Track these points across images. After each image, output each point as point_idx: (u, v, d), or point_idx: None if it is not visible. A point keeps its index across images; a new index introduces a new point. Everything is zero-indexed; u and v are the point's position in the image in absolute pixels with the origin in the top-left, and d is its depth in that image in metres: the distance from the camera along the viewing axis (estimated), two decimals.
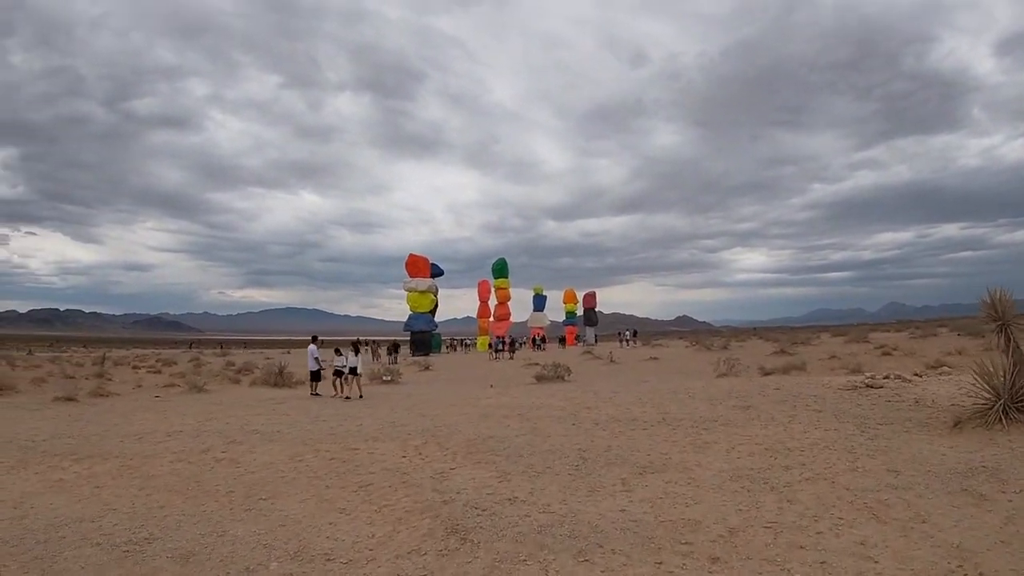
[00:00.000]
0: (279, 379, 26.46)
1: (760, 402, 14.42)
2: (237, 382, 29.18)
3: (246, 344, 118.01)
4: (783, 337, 57.21)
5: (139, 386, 28.71)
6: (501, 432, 12.12)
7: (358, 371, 20.82)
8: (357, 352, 21.24)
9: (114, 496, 9.07)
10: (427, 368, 36.45)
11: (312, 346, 22.05)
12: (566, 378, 24.47)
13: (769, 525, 6.66)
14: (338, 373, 21.17)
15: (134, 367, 43.61)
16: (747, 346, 48.05)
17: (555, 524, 6.95)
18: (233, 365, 40.57)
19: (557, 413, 14.27)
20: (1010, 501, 6.86)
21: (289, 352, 72.44)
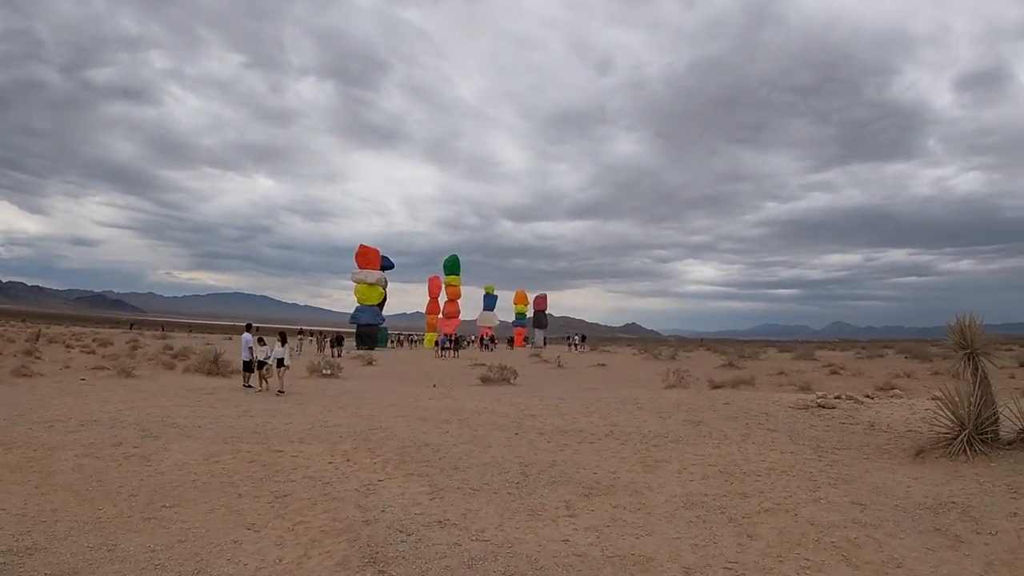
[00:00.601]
0: (213, 367, 25.18)
1: (711, 418, 13.85)
2: (171, 368, 27.70)
3: (190, 328, 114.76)
4: (730, 350, 57.33)
5: (67, 367, 27.11)
6: (439, 439, 11.26)
7: (285, 363, 19.45)
8: (284, 342, 19.94)
9: (6, 493, 7.99)
10: (370, 363, 35.35)
11: (246, 335, 20.87)
12: (512, 381, 23.72)
13: (729, 566, 5.89)
14: (259, 365, 19.79)
15: (67, 346, 41.64)
16: (695, 357, 47.92)
17: (488, 556, 6.07)
18: (171, 349, 38.85)
19: (500, 420, 13.48)
20: (987, 544, 6.24)
21: (231, 339, 70.41)
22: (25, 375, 21.57)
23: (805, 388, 22.64)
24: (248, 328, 21.53)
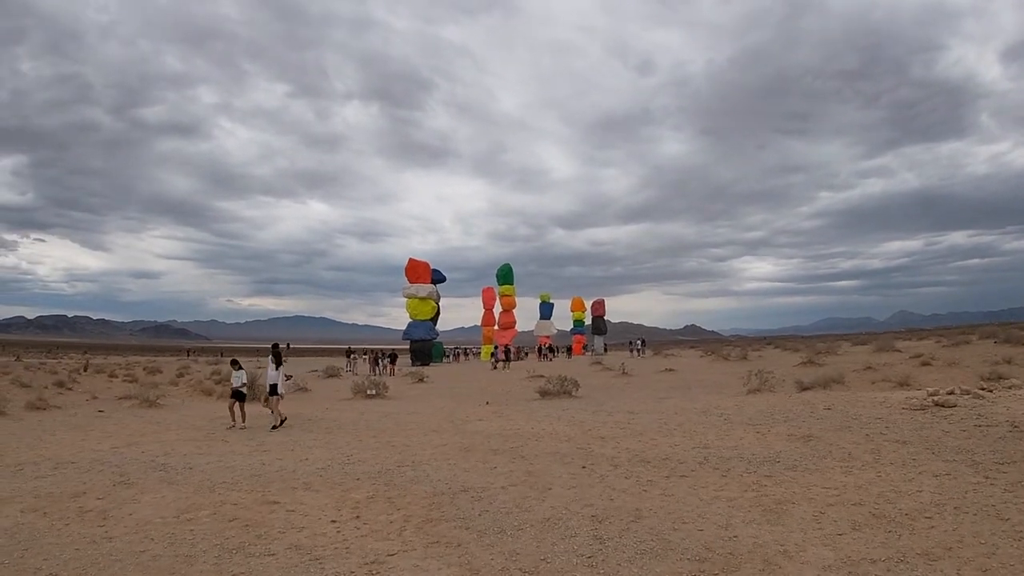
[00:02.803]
0: (247, 394, 23.23)
1: (820, 429, 11.29)
2: (209, 394, 26.06)
3: (257, 352, 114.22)
4: (802, 346, 54.00)
5: (94, 397, 25.74)
6: (483, 479, 8.73)
7: (279, 391, 16.36)
8: (278, 364, 16.62)
9: None
10: (421, 380, 33.06)
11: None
12: (574, 393, 21.24)
13: None
14: (237, 395, 16.34)
15: (111, 375, 40.53)
16: (767, 356, 44.72)
17: None
18: (218, 375, 37.35)
19: (562, 446, 10.96)
20: None
21: (285, 361, 69.25)
22: (39, 408, 20.01)
23: (904, 384, 20.04)
24: (274, 349, 19.29)
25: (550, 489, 8.04)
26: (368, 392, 24.22)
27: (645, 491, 7.80)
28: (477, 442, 11.84)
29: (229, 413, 16.02)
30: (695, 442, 10.79)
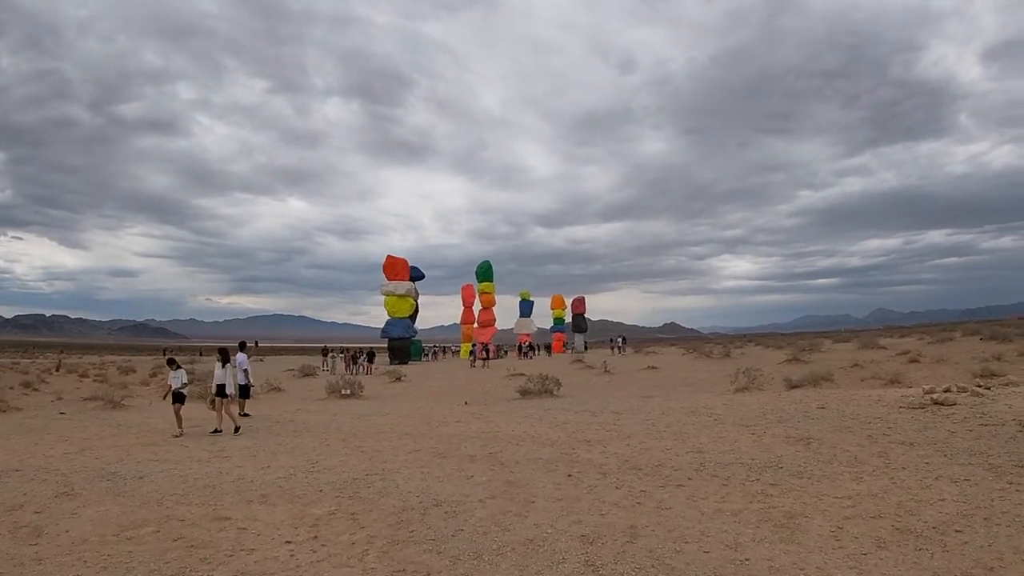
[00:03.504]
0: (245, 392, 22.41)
1: (818, 431, 10.63)
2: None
3: (257, 347, 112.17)
4: (784, 344, 53.69)
5: (59, 398, 24.78)
6: (458, 492, 7.86)
7: (227, 391, 15.10)
8: (224, 363, 15.27)
9: None
10: (399, 379, 32.22)
11: (241, 355, 17.74)
12: (555, 392, 20.49)
13: None
14: (177, 397, 14.65)
15: (81, 375, 39.45)
16: (750, 353, 44.26)
17: None
18: (192, 374, 36.26)
19: (545, 452, 10.14)
20: None
21: (263, 360, 68.25)
22: None
23: (895, 381, 19.59)
24: (243, 347, 18.29)
25: (533, 502, 7.20)
26: (342, 392, 23.37)
27: (639, 503, 6.99)
28: (453, 447, 10.99)
29: (176, 419, 14.43)
30: (688, 446, 10.03)
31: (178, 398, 14.60)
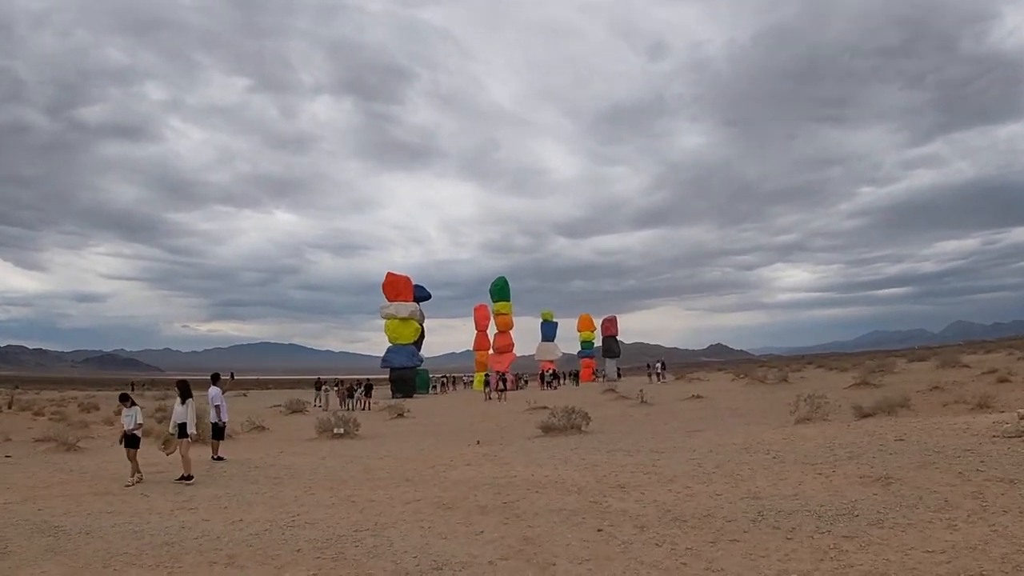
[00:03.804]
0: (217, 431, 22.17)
1: (897, 468, 10.18)
2: (146, 435, 24.80)
3: (232, 379, 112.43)
4: (849, 365, 53.13)
5: (7, 439, 24.71)
6: (463, 552, 7.46)
7: (188, 431, 14.50)
8: (184, 398, 14.78)
9: None
10: (401, 415, 31.98)
11: (214, 389, 17.49)
12: (584, 428, 20.08)
13: None
14: (131, 441, 14.10)
15: (36, 413, 39.57)
16: (810, 377, 43.81)
17: None
18: (163, 411, 36.13)
19: (570, 500, 9.76)
20: None
21: (245, 395, 68.28)
22: None
23: (984, 406, 19.02)
24: (215, 380, 18.03)
25: (554, 564, 6.81)
26: (335, 431, 23.06)
27: (685, 565, 6.57)
28: (461, 496, 10.63)
29: (131, 464, 13.98)
30: (742, 490, 9.60)
31: (132, 442, 14.09)
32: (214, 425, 17.28)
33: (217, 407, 17.13)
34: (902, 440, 12.55)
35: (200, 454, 17.20)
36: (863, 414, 18.14)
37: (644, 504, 9.24)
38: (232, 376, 21.65)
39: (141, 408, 15.01)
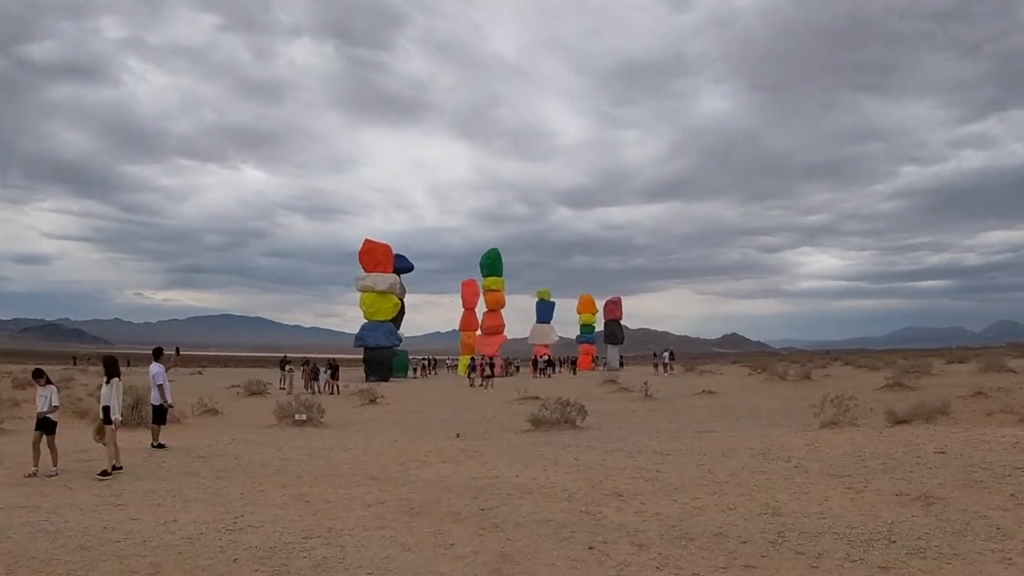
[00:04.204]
0: (130, 417, 21.57)
1: (938, 485, 9.83)
2: (82, 416, 24.42)
3: (177, 352, 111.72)
4: (881, 363, 52.91)
5: None
6: (427, 570, 7.03)
7: (113, 416, 13.83)
8: (111, 377, 14.05)
9: None
10: (373, 401, 31.63)
11: (156, 366, 17.04)
12: (579, 423, 19.80)
13: None
14: (44, 426, 13.32)
15: None
16: (837, 375, 43.55)
17: None
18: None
19: (558, 510, 9.39)
20: None
21: (201, 372, 67.98)
22: None
23: None
24: (158, 356, 17.54)
25: None
26: (296, 417, 22.70)
27: None
28: (432, 499, 10.27)
29: (34, 453, 13.19)
30: (759, 504, 9.23)
31: (44, 426, 13.37)
32: (156, 408, 16.84)
33: (160, 387, 16.70)
34: (943, 453, 12.24)
35: (140, 440, 16.85)
36: (897, 420, 17.83)
37: (644, 517, 8.87)
38: (178, 352, 21.11)
39: (58, 388, 14.16)
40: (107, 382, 13.82)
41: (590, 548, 7.62)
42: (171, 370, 17.90)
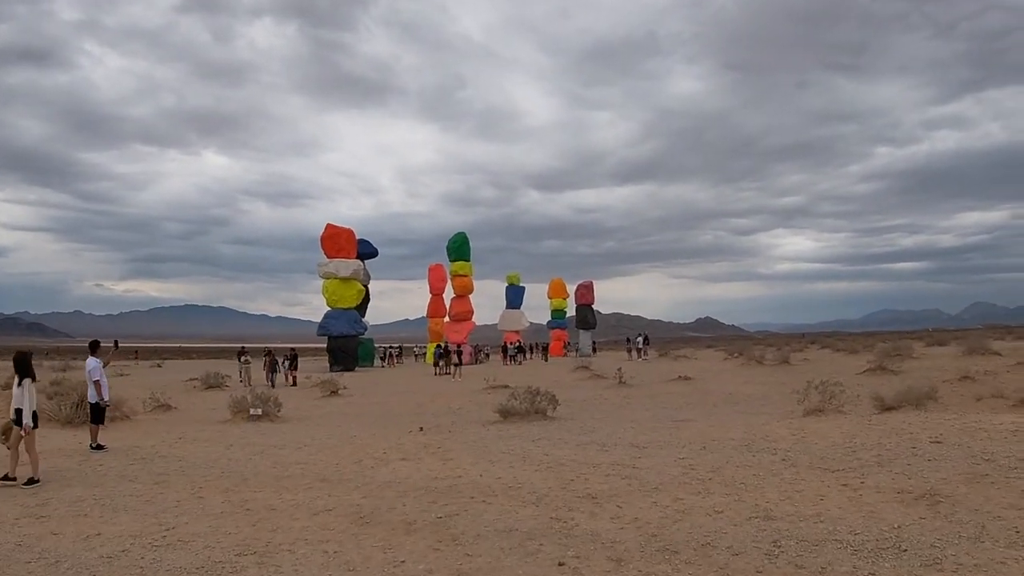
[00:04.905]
0: (75, 415, 20.60)
1: (941, 480, 9.18)
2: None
3: (137, 353, 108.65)
4: (860, 346, 52.82)
5: None
6: None
7: (25, 422, 12.40)
8: (23, 378, 12.72)
9: None
10: (334, 393, 30.75)
11: (92, 361, 16.07)
12: (550, 413, 19.07)
13: None
14: None
15: None
16: (815, 359, 43.37)
17: None
18: (58, 384, 34.51)
19: (525, 517, 8.57)
20: None
21: (160, 365, 66.92)
22: None
23: None
24: (94, 349, 16.60)
25: None
26: (252, 412, 21.79)
27: None
28: (386, 504, 9.42)
29: None
30: (749, 505, 8.47)
31: None
32: (93, 406, 15.84)
33: (96, 383, 15.72)
34: (939, 442, 11.67)
35: (82, 442, 15.91)
36: (885, 407, 17.23)
37: (621, 524, 8.06)
38: (116, 344, 20.07)
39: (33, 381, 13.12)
40: (18, 383, 12.45)
41: (560, 564, 6.80)
42: (108, 365, 16.88)
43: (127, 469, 13.09)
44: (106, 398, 16.09)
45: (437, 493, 10.03)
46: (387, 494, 10.10)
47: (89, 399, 16.03)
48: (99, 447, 15.33)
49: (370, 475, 11.59)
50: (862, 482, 9.33)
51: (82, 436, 16.42)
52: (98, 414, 15.88)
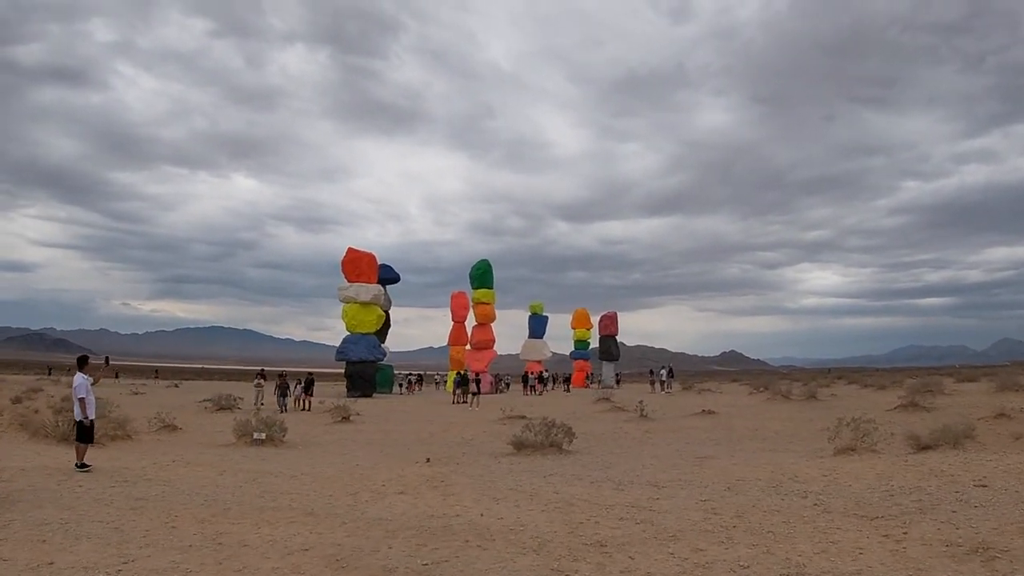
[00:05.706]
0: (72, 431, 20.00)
1: (993, 531, 8.20)
2: (32, 429, 22.82)
3: (157, 373, 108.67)
4: (887, 382, 51.59)
5: None
6: None
7: None
8: None
9: None
10: (346, 418, 29.87)
11: (79, 377, 15.34)
12: (565, 446, 18.19)
13: None
14: None
15: None
16: (843, 395, 42.16)
17: None
18: (68, 400, 33.90)
19: (523, 569, 7.56)
20: None
21: (178, 385, 66.39)
22: None
23: None
24: (82, 365, 15.90)
25: None
26: (255, 436, 20.97)
27: None
28: (370, 546, 8.45)
29: None
30: (779, 560, 7.45)
31: None
32: (78, 424, 15.07)
33: (81, 400, 14.94)
34: (984, 486, 10.71)
35: (69, 460, 15.12)
36: (921, 446, 16.16)
37: None
38: (107, 361, 19.50)
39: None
40: None
41: None
42: (98, 382, 16.12)
43: (105, 492, 12.26)
44: (91, 416, 15.33)
45: (429, 534, 9.06)
46: (374, 533, 9.14)
47: (75, 417, 15.29)
48: (84, 467, 14.56)
49: (362, 510, 10.67)
50: (905, 532, 8.32)
51: (74, 454, 15.70)
52: (84, 433, 15.10)
